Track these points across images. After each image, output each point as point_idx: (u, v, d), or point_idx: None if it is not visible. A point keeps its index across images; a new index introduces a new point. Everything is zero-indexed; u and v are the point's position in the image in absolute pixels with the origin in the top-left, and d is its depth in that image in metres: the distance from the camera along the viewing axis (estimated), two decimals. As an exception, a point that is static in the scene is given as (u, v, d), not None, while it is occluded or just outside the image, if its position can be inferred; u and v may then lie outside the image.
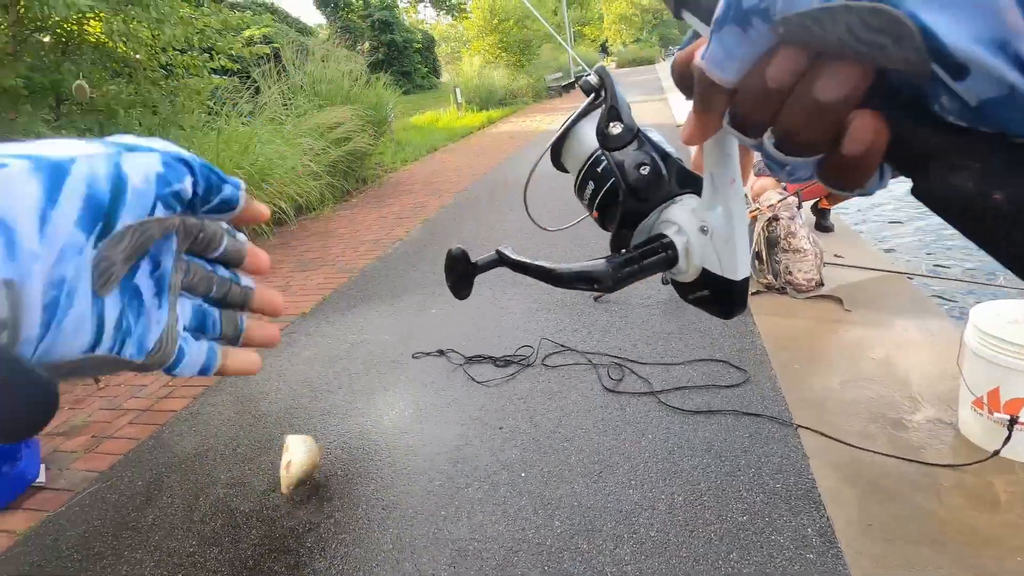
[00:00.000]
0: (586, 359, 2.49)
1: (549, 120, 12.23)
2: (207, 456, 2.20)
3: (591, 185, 0.44)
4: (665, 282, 2.90)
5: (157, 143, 0.27)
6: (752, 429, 1.92)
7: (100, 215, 0.24)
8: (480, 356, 2.63)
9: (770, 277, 2.84)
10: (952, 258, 3.82)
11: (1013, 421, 1.55)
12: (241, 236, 0.33)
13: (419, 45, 23.97)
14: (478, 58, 19.04)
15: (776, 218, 2.82)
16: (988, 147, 0.19)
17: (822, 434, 1.83)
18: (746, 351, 2.38)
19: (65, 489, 2.13)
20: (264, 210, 0.34)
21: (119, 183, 0.24)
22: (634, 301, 2.97)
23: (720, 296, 0.39)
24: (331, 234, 5.21)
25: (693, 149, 0.35)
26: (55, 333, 0.23)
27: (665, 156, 0.41)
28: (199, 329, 0.32)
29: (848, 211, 4.66)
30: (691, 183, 0.41)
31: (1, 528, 1.98)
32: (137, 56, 4.43)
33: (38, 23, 3.91)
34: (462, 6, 29.32)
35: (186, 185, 0.27)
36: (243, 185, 0.31)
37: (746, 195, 3.25)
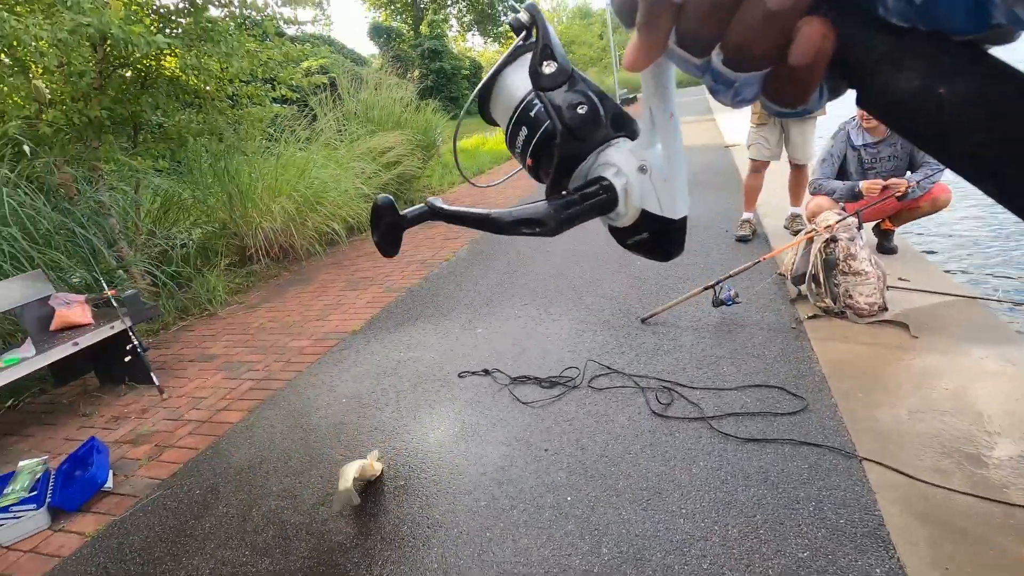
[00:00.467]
0: (633, 382, 2.44)
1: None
2: (260, 468, 2.27)
3: (524, 131, 0.41)
4: (716, 304, 2.82)
5: None
6: (812, 460, 1.82)
7: None
8: (525, 377, 2.62)
9: (828, 301, 2.72)
10: (1031, 282, 3.56)
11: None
12: None
13: (467, 72, 24.62)
14: (524, 83, 19.35)
15: (834, 239, 2.71)
16: (931, 46, 0.20)
17: (890, 468, 1.72)
18: (803, 377, 2.28)
19: (130, 495, 2.24)
20: None
21: None
22: (683, 324, 2.90)
23: (659, 238, 0.37)
24: (380, 254, 5.34)
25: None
26: None
27: (602, 96, 0.39)
28: None
29: (915, 232, 4.44)
30: (625, 125, 0.39)
31: (73, 529, 2.09)
32: (207, 88, 4.74)
33: (122, 60, 4.25)
34: (508, 33, 30.00)
35: None
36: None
37: (801, 216, 3.15)
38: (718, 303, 2.81)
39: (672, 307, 2.98)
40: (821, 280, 2.74)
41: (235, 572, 1.76)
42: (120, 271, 4.13)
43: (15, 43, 3.11)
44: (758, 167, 3.96)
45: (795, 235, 3.57)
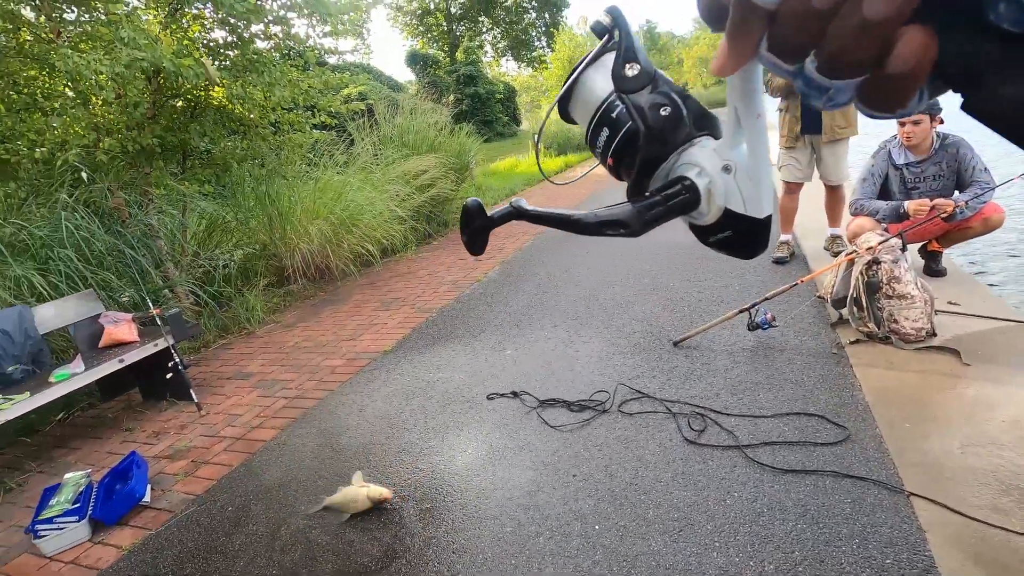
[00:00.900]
0: (665, 407, 2.38)
1: (627, 163, 12.22)
2: (290, 486, 2.30)
3: (605, 132, 0.42)
4: (752, 328, 2.74)
5: None
6: (855, 494, 1.73)
7: None
8: (554, 400, 2.58)
9: (872, 325, 2.61)
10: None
11: None
12: None
13: (500, 96, 25.08)
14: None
15: (877, 261, 2.60)
16: None
17: (942, 505, 1.62)
18: (845, 406, 2.18)
19: (166, 510, 2.29)
20: None
21: None
22: (717, 347, 2.82)
23: (743, 236, 0.37)
24: (413, 275, 5.43)
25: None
26: None
27: (684, 96, 0.39)
28: None
29: (965, 255, 4.24)
30: (708, 124, 0.39)
31: (111, 542, 2.15)
32: (251, 116, 4.95)
33: (173, 91, 4.50)
34: (542, 58, 30.50)
35: None
36: None
37: (842, 237, 3.06)
38: (754, 327, 2.73)
39: (706, 330, 2.91)
40: (864, 304, 2.63)
41: (262, 591, 1.77)
42: (166, 291, 4.30)
43: (77, 77, 3.33)
44: (791, 188, 3.90)
45: (835, 256, 3.45)
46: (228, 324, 4.56)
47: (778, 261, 3.90)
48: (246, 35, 4.58)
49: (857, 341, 2.63)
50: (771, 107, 3.87)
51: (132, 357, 2.99)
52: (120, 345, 3.13)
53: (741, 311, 2.78)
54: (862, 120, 3.78)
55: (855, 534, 1.58)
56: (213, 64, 4.15)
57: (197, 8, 4.44)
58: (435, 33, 31.62)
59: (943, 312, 2.70)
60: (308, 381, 3.33)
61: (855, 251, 2.73)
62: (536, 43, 33.45)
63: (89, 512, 2.21)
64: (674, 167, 0.39)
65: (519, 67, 34.73)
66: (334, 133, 6.91)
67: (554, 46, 22.20)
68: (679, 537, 1.68)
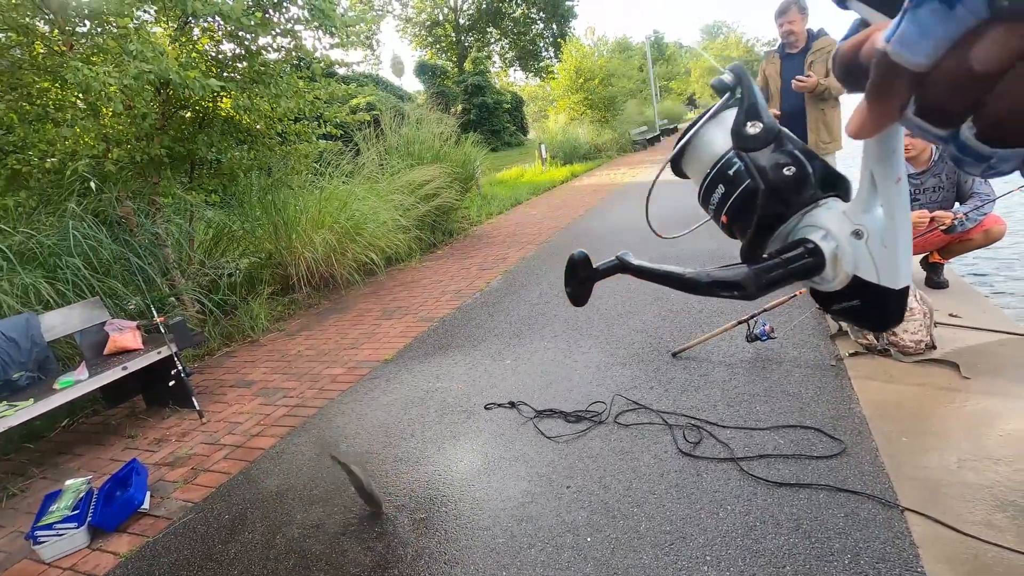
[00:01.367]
0: (661, 419, 2.37)
1: (632, 173, 12.25)
2: (287, 495, 2.31)
3: (720, 189, 0.41)
4: (750, 339, 2.74)
5: None
6: (849, 508, 1.72)
7: None
8: (551, 410, 2.59)
9: (871, 337, 2.60)
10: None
11: None
12: None
13: (508, 106, 25.24)
14: (563, 115, 19.67)
15: (875, 273, 2.59)
16: None
17: (936, 520, 1.60)
18: (842, 419, 2.17)
19: (164, 517, 2.31)
20: None
21: None
22: (715, 359, 2.82)
23: (874, 307, 0.35)
24: (416, 284, 5.46)
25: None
26: None
27: (810, 155, 0.38)
28: None
29: (965, 266, 4.21)
30: (836, 185, 0.38)
31: (109, 549, 2.17)
32: (258, 126, 5.03)
33: (182, 102, 4.58)
34: (549, 68, 30.70)
35: None
36: None
37: None
38: (752, 338, 2.72)
39: (704, 341, 2.90)
40: (862, 316, 2.62)
41: (255, 599, 1.78)
42: (172, 298, 4.35)
43: (87, 89, 3.40)
44: None
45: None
46: (232, 332, 4.60)
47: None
48: (254, 48, 4.66)
49: (856, 353, 2.62)
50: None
51: (135, 364, 3.03)
52: (125, 352, 3.17)
53: (740, 322, 2.78)
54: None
55: (847, 549, 1.57)
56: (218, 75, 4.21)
57: (207, 22, 4.53)
58: (444, 44, 31.92)
59: (943, 324, 2.68)
60: (309, 389, 3.36)
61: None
62: (544, 53, 33.67)
63: (88, 519, 2.24)
64: (796, 229, 0.38)
65: (526, 77, 34.95)
66: (340, 143, 6.98)
67: (562, 56, 22.34)
68: (671, 551, 1.68)
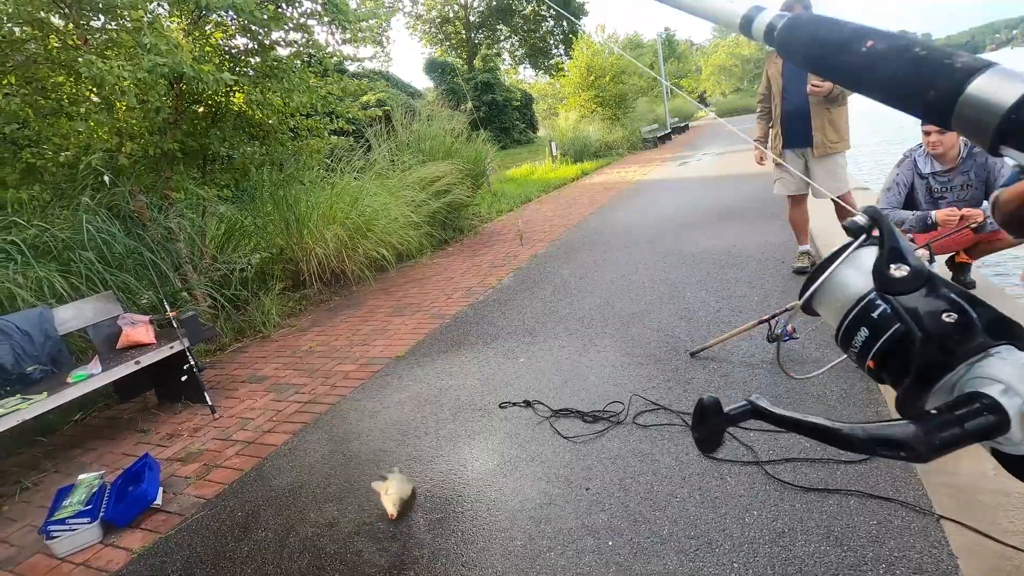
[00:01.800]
0: (681, 419, 2.32)
1: (643, 171, 12.15)
2: (300, 493, 2.28)
3: (864, 332, 0.39)
4: (771, 339, 2.67)
5: None
6: (881, 515, 1.66)
7: None
8: (567, 410, 2.54)
9: (897, 338, 2.52)
10: None
11: None
12: None
13: (518, 103, 25.13)
14: (574, 113, 19.56)
15: (903, 273, 2.52)
16: None
17: (974, 530, 1.54)
18: (871, 421, 2.10)
19: (177, 513, 2.29)
20: None
21: None
22: (735, 359, 2.76)
23: None
24: (427, 281, 5.42)
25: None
26: None
27: (973, 300, 0.35)
28: None
29: (991, 265, 4.11)
30: (1010, 333, 0.34)
31: (122, 545, 2.15)
32: (270, 121, 5.01)
33: (195, 96, 4.57)
34: (560, 65, 30.57)
35: None
36: None
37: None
38: (774, 338, 2.66)
39: (724, 341, 2.84)
40: (889, 316, 2.55)
41: (269, 600, 1.75)
42: (184, 293, 4.34)
43: (101, 83, 3.39)
44: (795, 201, 3.84)
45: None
46: (244, 327, 4.59)
47: (799, 271, 3.81)
48: (267, 42, 4.64)
49: (882, 355, 2.55)
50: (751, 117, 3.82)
51: (148, 359, 3.01)
52: (137, 347, 3.15)
53: (761, 322, 2.71)
54: (857, 130, 3.67)
55: (882, 558, 1.51)
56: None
57: (220, 16, 4.51)
58: (454, 41, 31.87)
59: (973, 326, 2.61)
60: (321, 386, 3.33)
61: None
62: (554, 51, 33.52)
63: (101, 514, 2.22)
64: (964, 380, 0.35)
65: (536, 74, 34.81)
66: (352, 139, 6.96)
67: (572, 54, 22.21)
68: (696, 556, 1.63)
